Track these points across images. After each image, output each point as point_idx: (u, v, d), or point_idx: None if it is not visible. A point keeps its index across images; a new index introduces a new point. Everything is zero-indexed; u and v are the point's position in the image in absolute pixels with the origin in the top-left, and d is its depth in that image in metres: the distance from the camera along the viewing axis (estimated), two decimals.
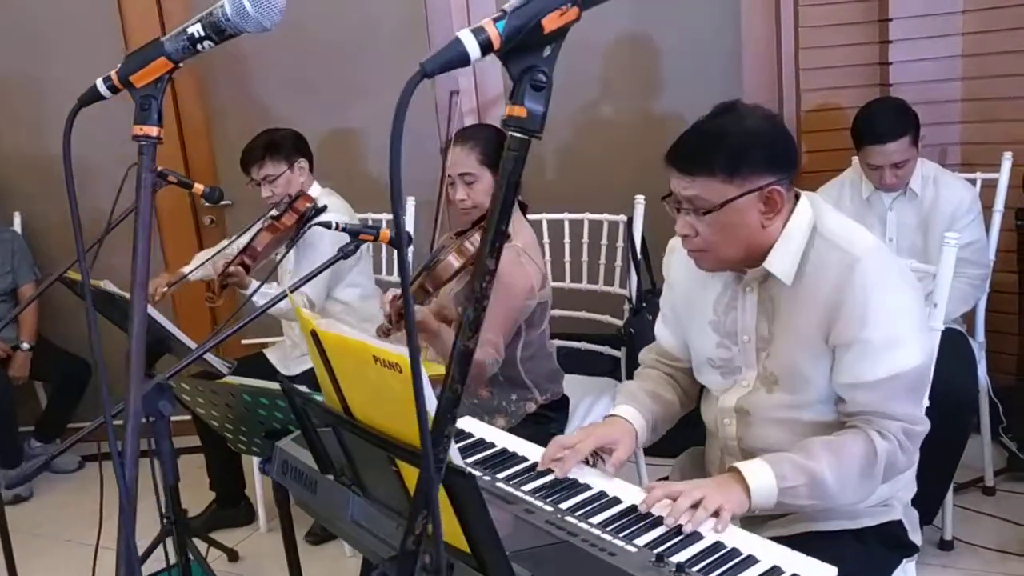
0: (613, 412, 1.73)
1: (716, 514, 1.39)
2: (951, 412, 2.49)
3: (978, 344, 2.86)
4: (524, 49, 0.73)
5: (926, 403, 1.80)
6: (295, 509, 2.07)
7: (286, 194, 2.92)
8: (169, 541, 2.13)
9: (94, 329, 0.99)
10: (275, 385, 1.86)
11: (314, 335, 1.23)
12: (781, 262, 1.55)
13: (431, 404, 1.08)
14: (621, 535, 1.34)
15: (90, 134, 3.79)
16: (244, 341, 3.65)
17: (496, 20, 0.72)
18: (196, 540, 2.61)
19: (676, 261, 1.77)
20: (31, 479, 3.53)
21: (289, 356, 3.16)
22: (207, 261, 2.95)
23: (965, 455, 2.66)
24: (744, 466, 1.49)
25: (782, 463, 1.49)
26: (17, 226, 3.93)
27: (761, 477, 1.47)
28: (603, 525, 1.38)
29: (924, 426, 1.55)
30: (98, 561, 1.90)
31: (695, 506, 1.39)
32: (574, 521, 1.38)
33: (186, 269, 3.11)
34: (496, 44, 0.72)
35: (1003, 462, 3.06)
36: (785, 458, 1.50)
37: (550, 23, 0.71)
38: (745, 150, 1.50)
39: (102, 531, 2.03)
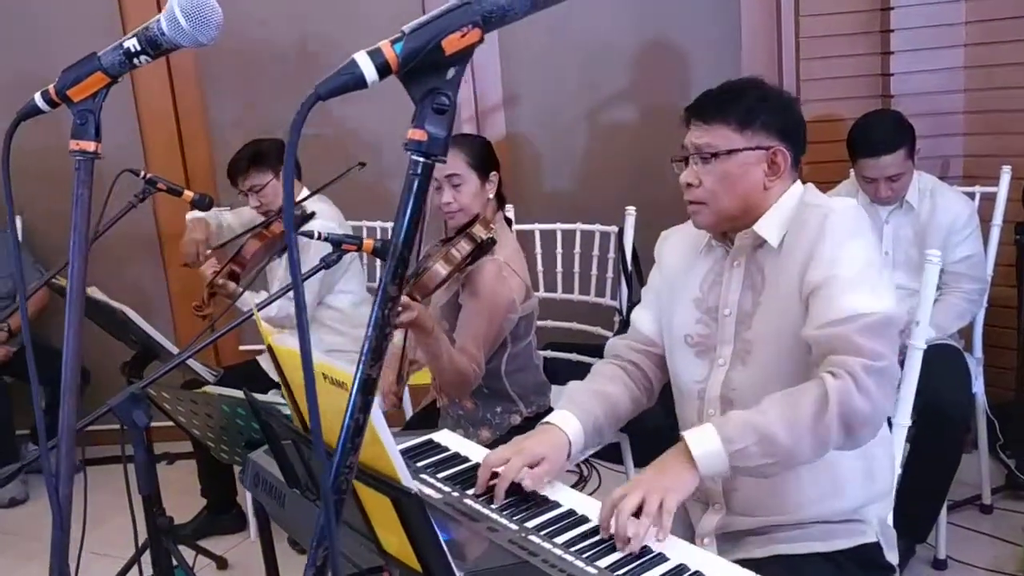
0: (548, 420, 1.69)
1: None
2: (943, 428, 2.47)
3: (975, 360, 2.83)
4: (425, 71, 0.71)
5: (902, 428, 1.77)
6: None
7: (274, 203, 2.92)
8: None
9: (28, 350, 0.98)
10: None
11: (270, 349, 1.22)
12: (770, 226, 1.60)
13: (381, 424, 1.07)
14: (584, 556, 1.32)
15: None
16: (242, 347, 3.67)
17: (394, 42, 0.70)
18: (184, 547, 2.61)
19: (669, 245, 1.83)
20: (3, 485, 3.54)
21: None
22: (209, 263, 2.90)
23: (962, 472, 2.63)
24: (689, 434, 1.43)
25: (727, 424, 1.42)
26: (18, 228, 3.95)
27: (705, 443, 1.40)
28: (567, 545, 1.35)
29: (887, 363, 1.44)
30: (89, 566, 1.90)
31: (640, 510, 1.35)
32: (538, 541, 1.36)
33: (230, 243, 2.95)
34: (394, 67, 0.70)
35: (1001, 479, 3.02)
36: (732, 417, 1.44)
37: (451, 45, 0.69)
38: (761, 108, 1.59)
39: (98, 536, 2.04)
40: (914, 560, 2.65)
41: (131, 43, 0.87)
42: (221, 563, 3.02)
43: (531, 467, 1.55)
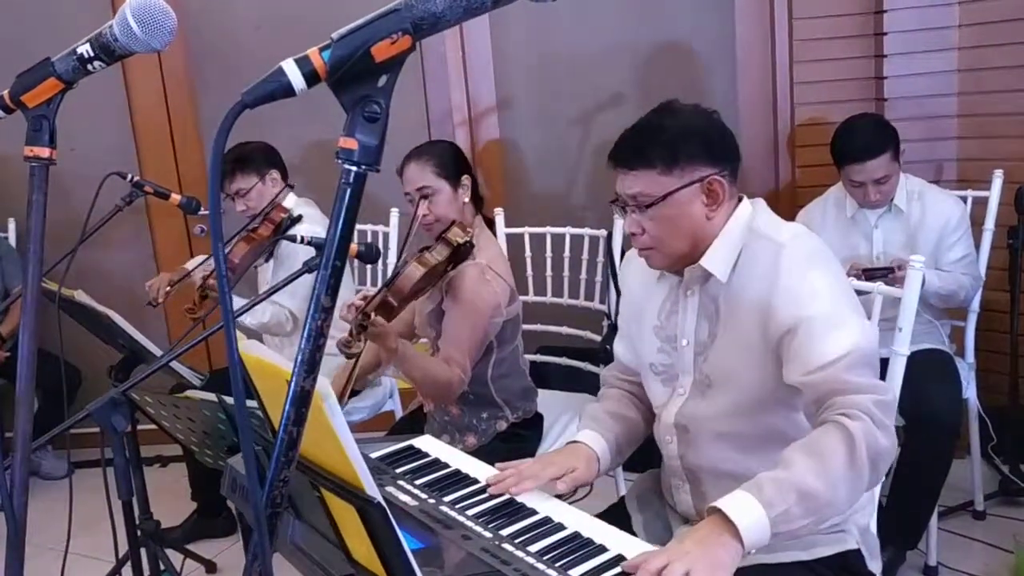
0: (575, 439, 1.70)
1: None
2: (934, 435, 2.46)
3: (967, 365, 2.81)
4: (356, 79, 0.69)
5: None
6: None
7: (260, 206, 2.91)
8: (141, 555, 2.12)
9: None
10: (231, 401, 1.85)
11: (240, 355, 1.21)
12: (716, 259, 1.56)
13: (344, 433, 1.06)
14: (557, 564, 1.31)
15: (93, 144, 3.85)
16: None
17: (322, 49, 0.69)
18: (173, 551, 2.60)
19: (631, 271, 1.80)
20: None
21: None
22: (208, 259, 2.91)
23: (955, 477, 2.61)
24: (727, 505, 1.31)
25: (763, 488, 1.32)
26: (12, 232, 3.95)
27: (749, 514, 1.29)
28: (541, 554, 1.34)
29: (891, 393, 1.47)
30: (79, 569, 1.90)
31: None
32: (511, 549, 1.35)
33: (189, 265, 3.00)
34: (322, 74, 0.69)
35: (994, 485, 3.00)
36: (765, 480, 1.33)
37: (381, 52, 0.68)
38: (682, 141, 1.53)
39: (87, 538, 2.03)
40: (905, 567, 2.63)
41: (84, 49, 0.86)
42: (210, 567, 3.01)
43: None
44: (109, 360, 2.71)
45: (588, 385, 2.86)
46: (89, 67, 0.86)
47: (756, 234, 1.56)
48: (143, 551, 2.15)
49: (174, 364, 2.40)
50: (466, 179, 2.30)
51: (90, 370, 3.76)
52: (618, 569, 1.30)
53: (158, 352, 2.46)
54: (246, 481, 1.63)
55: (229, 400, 1.59)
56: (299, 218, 2.83)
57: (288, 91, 0.68)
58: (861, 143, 2.63)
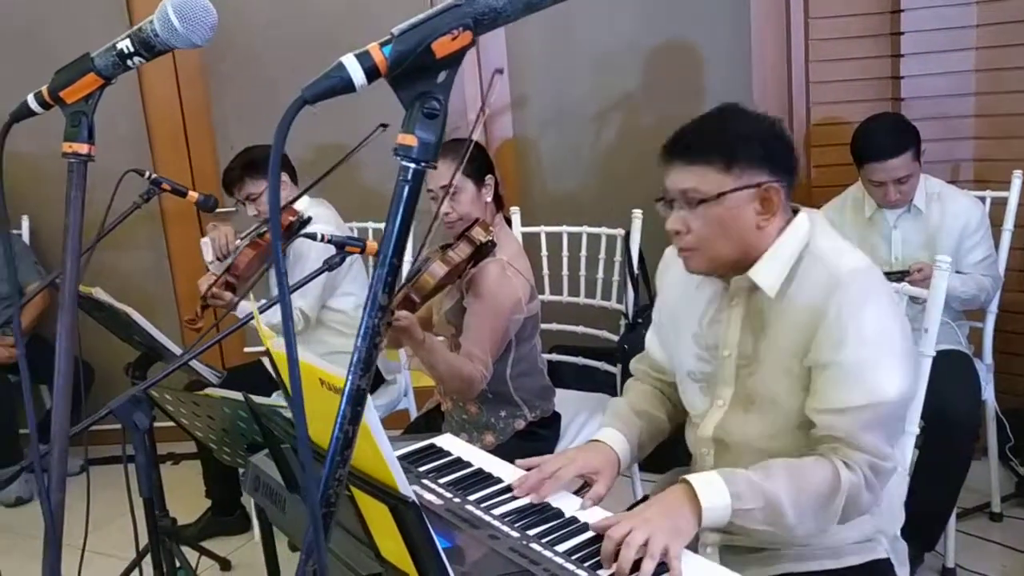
0: (596, 437, 1.69)
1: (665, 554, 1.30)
2: (952, 435, 2.44)
3: (986, 366, 2.79)
4: (415, 75, 0.69)
5: (910, 435, 1.75)
6: None
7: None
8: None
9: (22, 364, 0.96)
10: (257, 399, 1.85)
11: (268, 353, 1.21)
12: (767, 273, 1.50)
13: (379, 432, 1.05)
14: (586, 564, 1.30)
15: (107, 140, 3.83)
16: (246, 349, 3.66)
17: (383, 44, 0.69)
18: (188, 549, 2.60)
19: (670, 273, 1.75)
20: (6, 487, 3.55)
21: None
22: (204, 276, 2.89)
23: (972, 479, 2.60)
24: (697, 481, 1.39)
25: (738, 481, 1.40)
26: (25, 229, 3.96)
27: (715, 496, 1.38)
28: (569, 554, 1.34)
29: (892, 463, 1.47)
30: (94, 566, 1.90)
31: (643, 546, 1.30)
32: (539, 549, 1.34)
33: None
34: (382, 70, 0.68)
35: (1011, 487, 2.99)
36: (743, 477, 1.41)
37: (441, 48, 0.67)
38: (743, 143, 1.48)
39: (103, 535, 2.03)
40: (922, 568, 2.62)
41: (124, 44, 0.85)
42: (224, 564, 3.01)
43: (585, 478, 1.57)
44: (121, 358, 2.71)
45: (603, 384, 2.86)
46: (129, 63, 0.86)
47: (814, 256, 1.51)
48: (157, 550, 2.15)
49: (193, 362, 2.40)
50: (490, 179, 2.30)
51: (100, 368, 3.76)
52: (648, 569, 1.30)
53: (176, 350, 2.45)
54: (271, 480, 1.63)
55: (255, 398, 1.59)
56: (308, 220, 2.81)
57: (348, 87, 0.68)
58: (882, 142, 2.61)
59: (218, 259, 2.89)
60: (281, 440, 1.37)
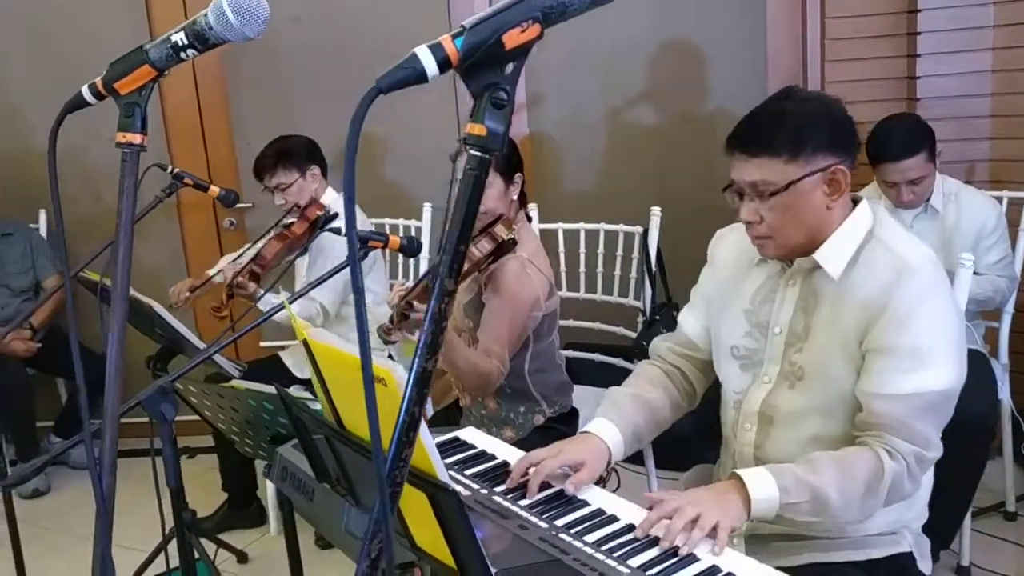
0: (587, 428, 1.69)
1: (713, 531, 1.36)
2: (969, 436, 2.44)
3: (1001, 366, 2.80)
4: (485, 66, 0.70)
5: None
6: None
7: (300, 201, 2.93)
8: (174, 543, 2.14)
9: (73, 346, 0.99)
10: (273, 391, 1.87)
11: (306, 344, 1.23)
12: (832, 255, 1.54)
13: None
14: (615, 555, 1.31)
15: (109, 134, 3.85)
16: (262, 343, 3.68)
17: (454, 36, 0.70)
18: (205, 541, 2.62)
19: (723, 246, 1.78)
20: (28, 480, 3.57)
21: (304, 359, 3.17)
22: (230, 264, 2.95)
23: (987, 479, 2.60)
24: (747, 475, 1.44)
25: (786, 475, 1.44)
26: (43, 224, 3.98)
27: (764, 489, 1.42)
28: (598, 544, 1.35)
29: (936, 452, 1.51)
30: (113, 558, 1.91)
31: (692, 523, 1.36)
32: (568, 539, 1.36)
33: (210, 272, 3.10)
34: (454, 61, 0.70)
35: None
36: (789, 470, 1.45)
37: (511, 40, 0.69)
38: (807, 130, 1.49)
39: (119, 528, 2.05)
40: (938, 566, 2.62)
41: (178, 37, 0.87)
42: (241, 557, 3.03)
43: (572, 469, 1.56)
44: (135, 352, 2.72)
45: (620, 381, 2.87)
46: (182, 55, 0.88)
47: (879, 241, 1.54)
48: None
49: (216, 356, 2.42)
50: (519, 177, 2.31)
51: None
52: (677, 558, 1.31)
53: (198, 343, 2.48)
54: (299, 471, 1.65)
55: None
56: (335, 215, 2.84)
57: (421, 77, 0.69)
58: (895, 142, 2.62)
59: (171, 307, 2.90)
60: (314, 431, 1.38)
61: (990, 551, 2.73)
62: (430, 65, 0.69)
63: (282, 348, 3.34)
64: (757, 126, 1.53)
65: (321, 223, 2.82)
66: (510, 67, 0.71)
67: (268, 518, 3.24)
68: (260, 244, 2.90)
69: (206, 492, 3.28)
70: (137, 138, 0.89)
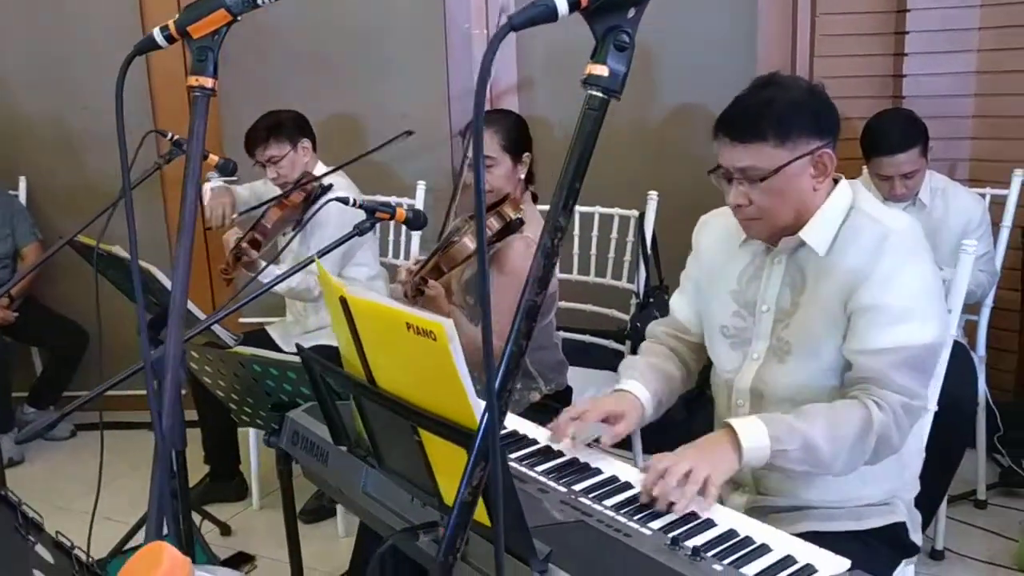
0: (620, 387, 1.73)
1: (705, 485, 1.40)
2: (952, 422, 2.51)
3: (978, 358, 2.88)
4: (609, 9, 0.73)
5: (929, 414, 1.82)
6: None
7: (291, 174, 2.93)
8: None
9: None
10: (285, 358, 1.87)
11: (343, 301, 1.23)
12: (817, 233, 1.59)
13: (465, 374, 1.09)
14: (635, 518, 1.34)
15: (108, 102, 3.78)
16: (242, 320, 3.65)
17: None
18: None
19: (708, 231, 1.82)
20: (36, 438, 3.52)
21: (291, 332, 3.17)
22: (268, 201, 2.90)
23: (960, 469, 2.68)
24: (739, 424, 1.48)
25: (778, 424, 1.49)
26: (22, 190, 3.92)
27: (755, 437, 1.47)
28: (617, 508, 1.38)
29: (923, 402, 1.55)
30: (93, 530, 1.91)
31: (685, 477, 1.39)
32: (588, 502, 1.39)
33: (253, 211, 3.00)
34: (584, 2, 0.72)
35: (995, 477, 3.09)
36: (781, 419, 1.50)
37: None
38: (793, 115, 1.54)
39: (99, 500, 2.04)
40: None
41: None
42: (225, 529, 3.02)
43: (609, 420, 1.61)
44: (117, 321, 2.67)
45: (610, 363, 2.90)
46: (259, 1, 0.88)
47: (861, 212, 1.60)
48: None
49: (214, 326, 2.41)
50: (527, 156, 2.33)
51: (93, 329, 3.75)
52: (697, 521, 1.35)
53: (197, 311, 2.46)
54: (311, 435, 1.65)
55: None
56: (330, 187, 2.84)
57: (551, 16, 0.71)
58: (892, 137, 2.68)
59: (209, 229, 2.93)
60: (340, 391, 1.39)
61: (962, 537, 2.81)
62: (561, 5, 0.71)
63: (263, 325, 3.33)
64: (745, 112, 1.57)
65: (316, 194, 2.82)
66: (632, 11, 0.73)
67: (251, 492, 3.23)
68: (258, 213, 2.89)
69: (189, 466, 3.26)
70: (209, 82, 0.90)
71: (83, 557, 1.24)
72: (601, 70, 0.74)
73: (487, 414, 0.70)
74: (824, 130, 1.57)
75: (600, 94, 0.75)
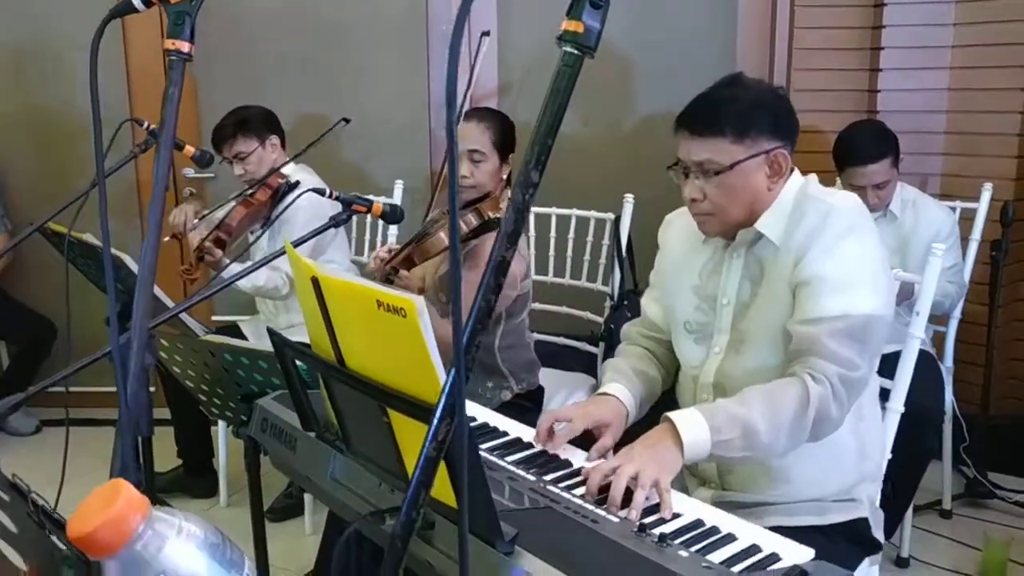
0: (604, 390, 1.73)
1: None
2: (919, 430, 2.54)
3: (946, 369, 2.92)
4: None
5: (895, 414, 1.84)
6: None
7: (258, 171, 2.91)
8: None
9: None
10: (255, 346, 1.86)
11: (314, 281, 1.23)
12: (772, 223, 1.61)
13: (434, 350, 1.08)
14: (604, 507, 1.34)
15: (82, 90, 3.75)
16: (215, 317, 3.63)
17: None
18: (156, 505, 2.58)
19: (672, 230, 1.84)
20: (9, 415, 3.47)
21: (263, 331, 3.14)
22: (234, 199, 2.89)
23: (925, 479, 2.71)
24: (678, 417, 1.48)
25: (717, 414, 1.48)
26: None
27: (695, 431, 1.46)
28: (585, 496, 1.38)
29: (861, 372, 1.53)
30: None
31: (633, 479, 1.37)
32: (556, 491, 1.38)
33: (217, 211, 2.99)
34: None
35: (961, 487, 3.12)
36: (720, 408, 1.50)
37: None
38: (752, 113, 1.57)
39: (62, 494, 2.01)
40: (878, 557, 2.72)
41: None
42: None
43: (594, 431, 1.60)
44: (85, 312, 2.64)
45: (583, 365, 2.91)
46: None
47: (809, 197, 1.62)
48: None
49: (183, 315, 2.39)
50: (512, 159, 2.34)
51: (61, 323, 3.70)
52: (661, 515, 1.35)
53: (166, 300, 2.44)
54: (281, 421, 1.64)
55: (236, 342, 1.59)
56: (296, 184, 2.83)
57: None
58: (864, 147, 2.72)
59: (174, 236, 2.89)
60: (311, 371, 1.39)
61: (927, 545, 2.84)
62: None
63: (235, 321, 3.30)
64: (705, 108, 1.60)
65: (283, 191, 2.80)
66: None
67: (219, 491, 3.19)
68: (221, 213, 2.86)
69: (160, 465, 3.23)
70: (185, 46, 0.90)
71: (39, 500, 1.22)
72: (576, 26, 0.74)
73: (453, 369, 0.69)
74: (782, 132, 1.60)
75: (575, 51, 0.75)
